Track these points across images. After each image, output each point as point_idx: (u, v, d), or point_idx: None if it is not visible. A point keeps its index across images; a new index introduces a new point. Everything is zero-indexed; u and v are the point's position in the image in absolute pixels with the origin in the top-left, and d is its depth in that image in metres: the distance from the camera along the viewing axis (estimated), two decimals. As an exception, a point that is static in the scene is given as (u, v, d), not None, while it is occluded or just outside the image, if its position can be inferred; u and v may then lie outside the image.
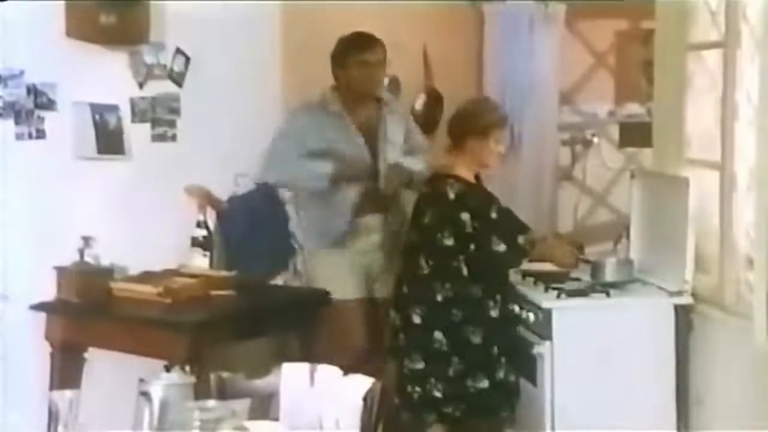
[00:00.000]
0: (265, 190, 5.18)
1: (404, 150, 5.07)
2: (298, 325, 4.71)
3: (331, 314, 4.76)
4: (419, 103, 6.00)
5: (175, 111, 4.90)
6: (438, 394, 4.50)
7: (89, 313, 4.42)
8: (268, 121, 5.23)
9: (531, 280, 4.72)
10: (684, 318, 4.46)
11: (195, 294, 4.47)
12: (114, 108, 4.71)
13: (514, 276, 4.74)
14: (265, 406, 3.08)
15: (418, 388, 4.53)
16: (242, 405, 2.83)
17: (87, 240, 4.46)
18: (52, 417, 2.73)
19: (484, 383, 4.48)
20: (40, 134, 4.52)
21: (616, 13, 6.33)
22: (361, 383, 2.99)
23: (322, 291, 4.84)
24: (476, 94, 6.00)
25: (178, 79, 4.90)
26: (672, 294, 4.46)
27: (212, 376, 3.12)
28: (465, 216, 4.47)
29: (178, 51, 4.88)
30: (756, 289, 3.88)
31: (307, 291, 4.98)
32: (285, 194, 5.25)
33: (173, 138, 4.90)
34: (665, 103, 4.80)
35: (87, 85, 4.61)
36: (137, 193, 4.75)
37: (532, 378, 4.49)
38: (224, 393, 3.06)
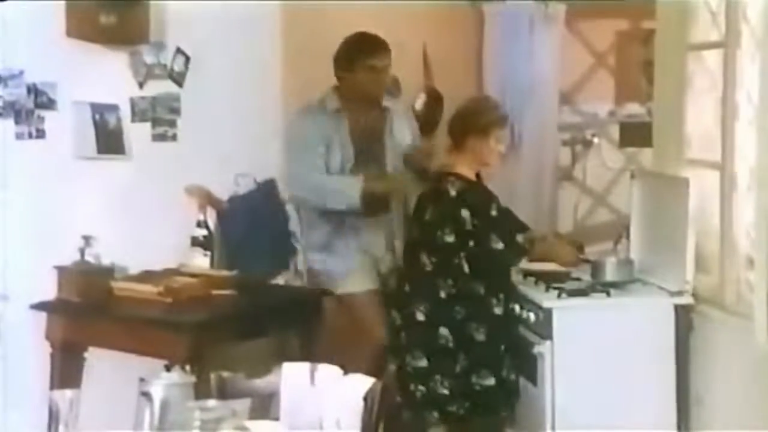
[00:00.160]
0: (265, 190, 5.19)
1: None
2: (298, 324, 4.71)
3: (344, 308, 4.82)
4: (419, 103, 6.01)
5: (176, 111, 4.89)
6: (444, 392, 4.51)
7: (90, 312, 4.42)
8: (268, 121, 5.24)
9: (532, 279, 4.72)
10: (684, 318, 4.46)
11: (195, 293, 4.46)
12: (114, 108, 4.71)
13: (514, 276, 4.74)
14: (265, 406, 3.08)
15: (421, 387, 4.54)
16: (243, 405, 2.83)
17: (87, 239, 4.46)
18: (53, 417, 2.73)
19: (490, 381, 4.50)
20: (40, 134, 4.52)
21: (617, 13, 6.34)
22: (362, 383, 2.99)
23: (323, 290, 4.84)
24: (476, 94, 6.00)
25: (178, 79, 4.90)
26: (672, 294, 4.46)
27: (213, 376, 3.12)
28: (465, 213, 4.50)
29: (179, 51, 4.88)
30: (756, 289, 3.88)
31: (308, 290, 4.97)
32: (286, 194, 5.24)
33: (173, 138, 4.90)
34: (665, 103, 4.80)
35: (87, 84, 4.61)
36: (137, 193, 4.74)
37: (533, 377, 4.49)
38: (225, 393, 3.06)
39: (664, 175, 4.73)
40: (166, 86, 4.87)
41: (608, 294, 4.50)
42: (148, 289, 4.42)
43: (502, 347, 4.55)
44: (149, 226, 4.72)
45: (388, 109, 5.02)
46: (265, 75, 5.24)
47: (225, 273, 4.75)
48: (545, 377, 4.40)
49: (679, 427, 4.45)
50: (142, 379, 2.82)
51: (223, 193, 5.00)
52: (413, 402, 4.55)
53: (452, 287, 4.52)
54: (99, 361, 4.47)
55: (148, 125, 4.83)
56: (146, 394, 2.76)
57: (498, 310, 4.54)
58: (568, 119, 6.50)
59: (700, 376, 4.43)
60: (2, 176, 4.48)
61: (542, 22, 6.22)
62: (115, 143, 4.72)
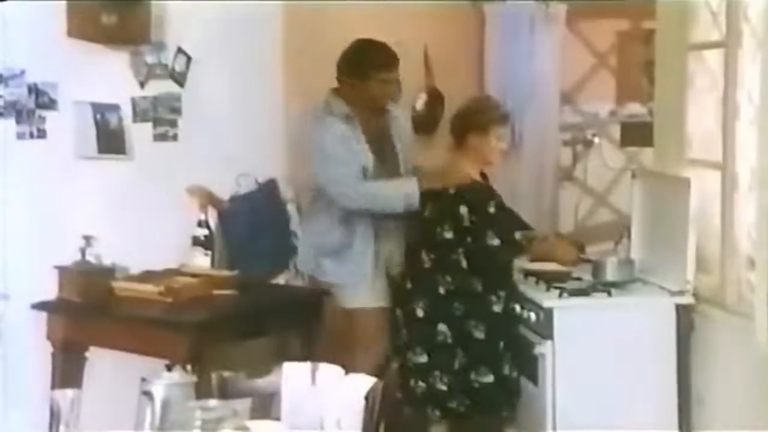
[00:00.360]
0: (266, 190, 5.19)
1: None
2: (299, 324, 4.71)
3: (350, 322, 4.77)
4: (420, 103, 6.01)
5: (177, 111, 4.90)
6: (443, 388, 4.52)
7: (90, 312, 4.42)
8: (269, 121, 5.24)
9: (533, 279, 4.72)
10: (685, 318, 4.46)
11: (196, 293, 4.47)
12: (115, 107, 4.71)
13: (515, 275, 4.74)
14: (266, 406, 3.09)
15: (421, 383, 4.55)
16: (244, 404, 2.84)
17: (88, 239, 4.46)
18: (54, 416, 2.73)
19: (489, 378, 4.51)
20: (42, 134, 4.52)
21: (617, 13, 6.33)
22: (363, 382, 2.99)
23: (323, 290, 4.84)
24: (477, 93, 5.99)
25: (179, 79, 4.90)
26: (673, 294, 4.46)
27: (214, 376, 3.13)
28: (463, 209, 4.54)
29: (180, 51, 4.88)
30: (757, 289, 3.88)
31: (309, 290, 4.97)
32: (287, 194, 5.25)
33: (174, 138, 4.90)
34: (666, 103, 4.80)
35: (88, 84, 4.61)
36: (138, 193, 4.75)
37: (534, 377, 4.49)
38: (226, 392, 3.06)
39: (665, 175, 4.73)
40: (167, 86, 4.87)
41: (609, 294, 4.50)
42: (149, 289, 4.42)
43: (501, 345, 4.55)
44: (150, 226, 4.72)
45: (389, 111, 5.01)
46: (266, 75, 5.24)
47: (226, 273, 4.76)
48: (546, 377, 4.39)
49: (680, 427, 4.45)
50: (143, 379, 2.82)
51: (224, 193, 5.01)
52: (414, 398, 4.57)
53: (451, 284, 4.55)
54: (100, 361, 4.48)
55: (149, 125, 4.83)
56: (147, 394, 2.77)
57: (497, 308, 4.55)
58: (569, 119, 6.50)
59: (701, 376, 4.43)
60: (3, 176, 4.49)
61: (543, 22, 6.21)
62: (116, 143, 4.72)
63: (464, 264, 4.55)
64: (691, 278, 4.42)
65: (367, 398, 2.93)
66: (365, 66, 4.80)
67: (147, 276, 4.60)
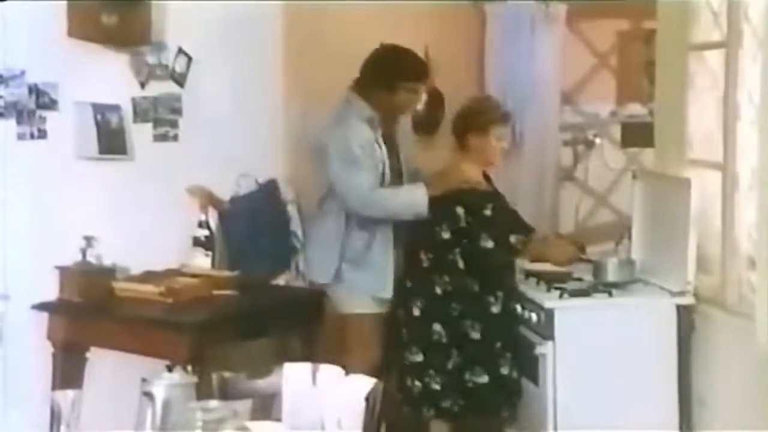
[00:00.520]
0: (266, 190, 5.18)
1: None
2: (300, 325, 4.71)
3: (348, 327, 4.74)
4: (421, 103, 6.00)
5: (177, 111, 4.89)
6: (436, 387, 4.53)
7: (91, 312, 4.42)
8: (270, 122, 5.24)
9: (533, 280, 4.72)
10: (686, 318, 4.46)
11: (197, 294, 4.47)
12: (116, 108, 4.71)
13: (516, 276, 4.75)
14: (267, 407, 3.09)
15: (417, 382, 4.57)
16: (244, 405, 2.84)
17: (89, 240, 4.46)
18: (54, 417, 2.73)
19: (483, 378, 4.52)
20: (42, 134, 4.51)
21: (618, 13, 6.33)
22: (363, 383, 2.99)
23: (324, 290, 4.83)
24: (478, 93, 5.99)
25: (180, 80, 4.90)
26: (674, 294, 4.46)
27: (214, 376, 3.13)
28: (460, 210, 4.56)
29: (180, 51, 4.88)
30: (758, 289, 3.88)
31: (309, 291, 4.97)
32: (287, 194, 5.24)
33: (175, 138, 4.90)
34: (667, 104, 4.80)
35: (89, 84, 4.61)
36: (139, 193, 4.74)
37: (534, 378, 4.49)
38: (226, 393, 3.06)
39: (666, 176, 4.73)
40: (168, 87, 4.87)
41: (610, 294, 4.50)
42: (149, 289, 4.42)
43: (498, 345, 4.55)
44: (151, 227, 4.72)
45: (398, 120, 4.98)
46: (266, 75, 5.24)
47: (226, 273, 4.75)
48: (547, 377, 4.40)
49: (680, 428, 4.45)
50: (143, 380, 2.82)
51: (224, 194, 5.00)
52: (411, 397, 4.58)
53: (448, 284, 4.57)
54: (101, 362, 4.48)
55: (149, 126, 4.83)
56: (148, 395, 2.77)
57: (494, 309, 4.56)
58: (569, 119, 6.50)
59: (701, 377, 4.43)
60: (4, 176, 4.48)
61: (543, 22, 6.22)
62: (116, 143, 4.71)
63: (461, 264, 4.56)
64: (691, 279, 4.43)
65: (367, 399, 2.92)
66: (394, 76, 4.73)
67: (147, 276, 4.60)
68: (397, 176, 4.82)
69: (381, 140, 4.75)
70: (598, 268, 4.66)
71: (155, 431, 2.74)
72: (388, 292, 4.71)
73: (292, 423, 2.99)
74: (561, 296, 4.48)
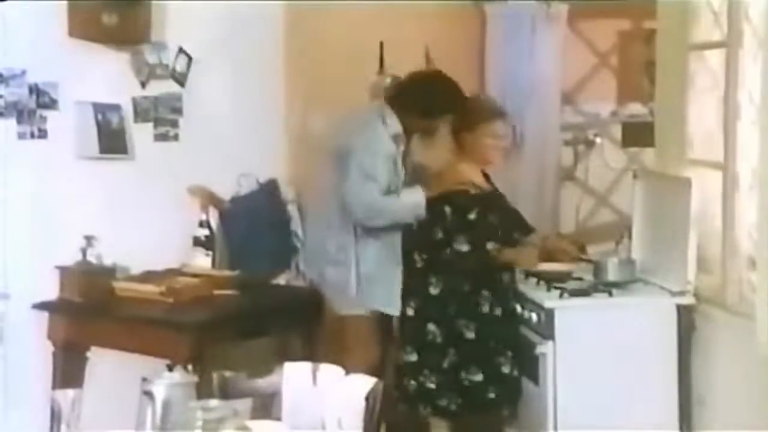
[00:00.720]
0: (267, 190, 5.19)
1: None
2: (300, 324, 4.72)
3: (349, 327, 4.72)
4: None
5: (178, 111, 4.90)
6: (431, 386, 4.53)
7: (91, 312, 4.43)
8: (270, 121, 5.24)
9: (533, 279, 4.72)
10: (686, 318, 4.45)
11: (197, 293, 4.47)
12: (116, 107, 4.71)
13: (517, 276, 4.75)
14: (267, 406, 3.08)
15: (413, 381, 4.57)
16: (244, 404, 2.84)
17: (89, 239, 4.46)
18: (55, 416, 2.73)
19: (479, 377, 4.52)
20: (43, 134, 4.52)
21: (619, 12, 6.32)
22: (364, 383, 2.99)
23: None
24: (478, 93, 5.99)
25: (180, 79, 4.90)
26: (674, 294, 4.46)
27: (215, 376, 3.12)
28: (447, 210, 4.58)
29: (181, 51, 4.88)
30: (758, 289, 3.88)
31: (309, 290, 4.97)
32: (288, 194, 5.24)
33: (175, 138, 4.90)
34: (667, 103, 4.79)
35: (89, 84, 4.62)
36: (139, 193, 4.75)
37: (534, 377, 4.49)
38: (227, 392, 3.06)
39: (667, 175, 4.72)
40: (168, 86, 4.87)
41: (610, 294, 4.50)
42: (149, 289, 4.42)
43: (494, 344, 4.55)
44: (151, 226, 4.72)
45: None
46: (267, 75, 5.24)
47: (227, 273, 4.76)
48: (547, 377, 4.39)
49: (681, 428, 4.45)
50: (144, 379, 2.82)
51: (225, 193, 5.01)
52: (407, 396, 4.59)
53: (441, 284, 4.57)
54: (101, 361, 4.48)
55: (150, 125, 4.83)
56: (148, 394, 2.77)
57: (486, 309, 4.56)
58: (570, 119, 6.49)
59: (702, 377, 4.43)
60: (4, 176, 4.49)
61: (544, 22, 6.21)
62: (117, 143, 4.72)
63: (453, 264, 4.56)
64: (692, 278, 4.42)
65: (367, 398, 2.92)
66: (435, 107, 4.67)
67: (148, 276, 4.60)
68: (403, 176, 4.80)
69: (401, 156, 4.68)
70: (598, 268, 4.66)
71: (155, 430, 2.74)
72: (396, 310, 4.67)
73: (293, 422, 2.99)
74: (561, 296, 4.48)
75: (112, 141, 4.69)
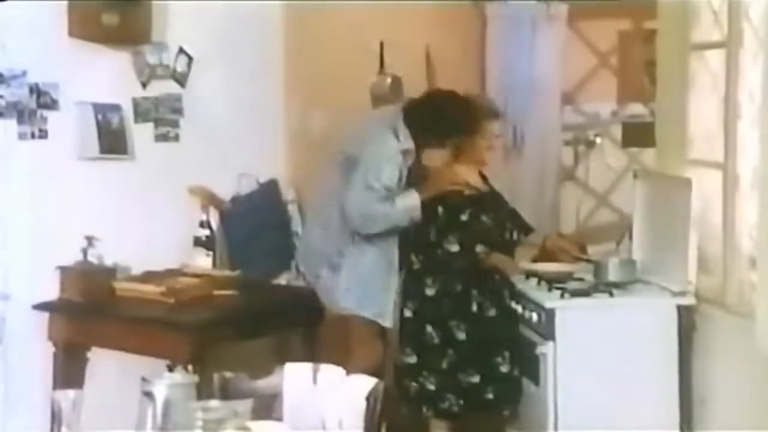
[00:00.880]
0: (267, 190, 5.19)
1: None
2: (300, 324, 4.71)
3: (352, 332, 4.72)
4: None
5: (178, 111, 4.90)
6: (431, 387, 4.53)
7: (92, 312, 4.43)
8: (271, 122, 5.24)
9: (534, 280, 4.72)
10: (687, 318, 4.45)
11: (198, 294, 4.47)
12: (117, 108, 4.71)
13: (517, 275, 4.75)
14: (268, 406, 3.08)
15: (414, 383, 4.57)
16: (245, 405, 2.83)
17: (90, 239, 4.46)
18: (55, 417, 2.73)
19: (475, 378, 4.52)
20: (43, 134, 4.52)
21: (619, 13, 6.33)
22: (364, 383, 2.99)
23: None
24: (479, 94, 5.99)
25: (180, 79, 4.90)
26: (675, 294, 4.46)
27: (215, 376, 3.12)
28: (440, 210, 4.59)
29: (181, 51, 4.88)
30: (759, 289, 3.88)
31: (310, 290, 4.97)
32: (288, 194, 5.24)
33: (176, 138, 4.90)
34: (668, 103, 4.79)
35: (90, 84, 4.62)
36: (140, 193, 4.75)
37: (535, 378, 4.49)
38: (227, 393, 3.05)
39: (667, 176, 4.72)
40: (169, 86, 4.88)
41: (611, 294, 4.50)
42: (150, 289, 4.42)
43: (487, 345, 4.55)
44: (152, 227, 4.72)
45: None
46: (267, 75, 5.24)
47: (227, 273, 4.76)
48: (548, 377, 4.39)
49: (681, 428, 4.45)
50: (144, 379, 2.82)
51: (225, 193, 5.01)
52: (408, 398, 4.59)
53: (437, 284, 4.57)
54: (101, 361, 4.48)
55: (150, 125, 4.83)
56: (149, 394, 2.76)
57: (475, 309, 4.56)
58: (570, 119, 6.50)
59: (702, 377, 4.42)
60: (5, 175, 4.49)
61: (544, 22, 6.22)
62: (117, 143, 4.72)
63: (445, 264, 4.56)
64: (692, 279, 4.42)
65: (368, 399, 2.92)
66: (450, 133, 4.67)
67: (148, 276, 4.60)
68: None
69: (407, 169, 4.66)
70: (598, 268, 4.66)
71: (156, 431, 2.74)
72: (388, 321, 4.68)
73: (293, 423, 2.99)
74: (562, 296, 4.47)
75: (112, 141, 4.69)
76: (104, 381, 4.36)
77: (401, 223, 4.60)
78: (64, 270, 4.47)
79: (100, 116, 4.64)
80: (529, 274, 4.76)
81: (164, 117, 4.86)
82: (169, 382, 2.82)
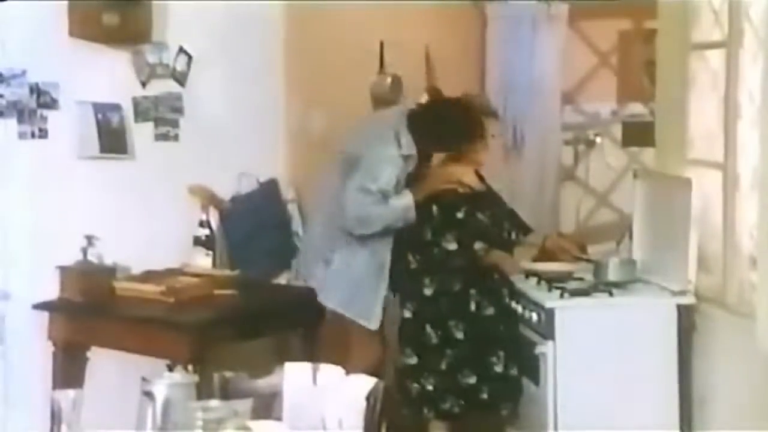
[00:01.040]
0: (267, 190, 5.19)
1: None
2: (300, 324, 4.71)
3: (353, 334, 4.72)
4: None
5: (178, 110, 4.90)
6: (432, 388, 4.53)
7: (92, 312, 4.43)
8: (271, 121, 5.24)
9: (534, 279, 4.72)
10: (687, 318, 4.45)
11: (198, 293, 4.47)
12: (117, 107, 4.71)
13: (517, 275, 4.75)
14: (267, 406, 3.08)
15: (415, 384, 4.57)
16: (245, 405, 2.83)
17: (90, 239, 4.46)
18: (55, 416, 2.73)
19: (472, 378, 4.52)
20: (43, 133, 4.52)
21: (619, 12, 6.33)
22: (364, 383, 2.99)
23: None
24: (479, 93, 5.99)
25: (180, 79, 4.90)
26: (675, 294, 4.46)
27: (215, 376, 3.12)
28: (435, 209, 4.59)
29: (181, 50, 4.88)
30: (759, 289, 3.88)
31: (310, 290, 4.96)
32: (288, 194, 5.24)
33: (176, 137, 4.90)
34: (668, 103, 4.79)
35: (90, 84, 4.62)
36: (140, 193, 4.75)
37: (535, 377, 4.49)
38: (227, 393, 3.05)
39: (667, 175, 4.72)
40: (169, 86, 4.88)
41: (611, 294, 4.50)
42: (150, 288, 4.42)
43: (483, 344, 4.55)
44: (152, 226, 4.72)
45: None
46: (267, 75, 5.24)
47: (227, 273, 4.76)
48: (547, 377, 4.39)
49: (681, 428, 4.45)
50: (144, 379, 2.82)
51: (225, 193, 5.01)
52: (409, 399, 4.58)
53: (434, 284, 4.57)
54: (101, 361, 4.48)
55: (150, 125, 4.83)
56: (148, 394, 2.76)
57: (473, 308, 4.56)
58: (570, 119, 6.50)
59: (702, 376, 4.42)
60: (5, 175, 4.49)
61: (545, 21, 6.22)
62: (117, 143, 4.72)
63: (442, 263, 4.56)
64: (692, 278, 4.42)
65: (368, 398, 2.92)
66: (453, 142, 4.68)
67: (148, 276, 4.60)
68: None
69: (405, 173, 4.66)
70: (598, 268, 4.66)
71: (156, 431, 2.74)
72: (374, 324, 4.69)
73: (293, 422, 2.99)
74: (562, 296, 4.47)
75: (112, 141, 4.69)
76: (104, 381, 4.36)
77: (396, 224, 4.61)
78: (64, 270, 4.47)
79: (100, 116, 4.64)
80: (529, 274, 4.76)
81: (164, 116, 4.86)
82: (169, 382, 2.82)
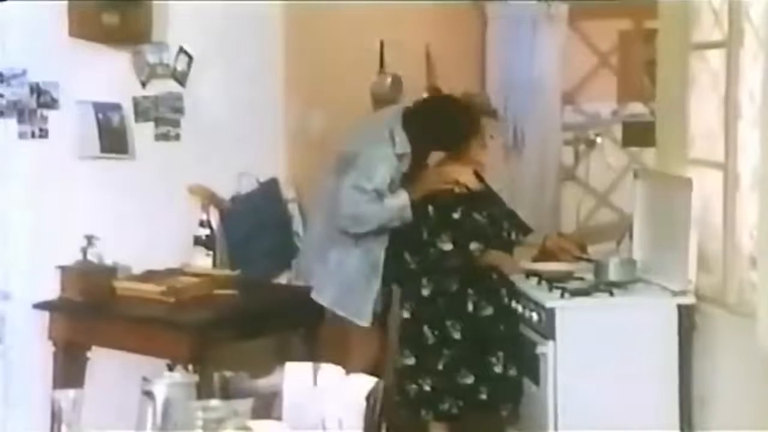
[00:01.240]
0: (267, 189, 5.19)
1: None
2: (301, 324, 4.71)
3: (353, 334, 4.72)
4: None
5: (179, 110, 4.90)
6: (429, 389, 4.53)
7: (92, 312, 4.43)
8: (271, 121, 5.24)
9: (535, 279, 4.72)
10: (687, 318, 4.45)
11: (198, 293, 4.47)
12: (117, 107, 4.71)
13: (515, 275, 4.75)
14: (268, 406, 3.08)
15: (413, 385, 4.57)
16: (245, 404, 2.83)
17: (90, 239, 4.46)
18: (55, 416, 2.73)
19: (469, 378, 4.52)
20: (43, 133, 4.52)
21: (619, 12, 6.34)
22: (364, 383, 2.99)
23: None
24: (475, 93, 5.99)
25: (181, 79, 4.90)
26: (675, 294, 4.46)
27: (215, 376, 3.12)
28: (431, 209, 4.58)
29: (181, 50, 4.88)
30: (759, 288, 3.88)
31: (310, 290, 4.97)
32: (288, 193, 5.24)
33: (176, 137, 4.90)
34: (668, 103, 4.79)
35: (90, 84, 4.61)
36: (140, 193, 4.75)
37: (535, 378, 4.49)
38: (227, 392, 3.05)
39: (667, 175, 4.72)
40: (169, 86, 4.88)
41: (611, 294, 4.50)
42: (150, 288, 4.42)
43: (481, 344, 4.55)
44: (152, 226, 4.72)
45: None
46: (267, 74, 5.24)
47: (227, 272, 4.76)
48: (548, 377, 4.39)
49: (681, 428, 4.45)
50: (144, 379, 2.82)
51: (225, 193, 5.01)
52: (408, 400, 4.58)
53: (432, 284, 4.57)
54: (102, 361, 4.48)
55: (151, 125, 4.83)
56: (149, 394, 2.76)
57: (470, 308, 4.56)
58: (570, 119, 6.50)
59: (702, 376, 4.42)
60: (5, 175, 4.49)
61: (545, 21, 6.22)
62: (117, 143, 4.72)
63: (439, 264, 4.57)
64: (692, 278, 4.42)
65: (368, 398, 2.92)
66: (447, 141, 4.68)
67: (149, 276, 4.60)
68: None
69: (400, 173, 4.66)
70: (599, 268, 4.65)
71: (156, 430, 2.74)
72: (366, 321, 4.69)
73: (293, 422, 2.99)
74: (562, 296, 4.47)
75: (112, 141, 4.69)
76: (104, 381, 4.36)
77: (391, 223, 4.61)
78: (64, 269, 4.47)
79: (100, 115, 4.64)
80: (529, 274, 4.76)
81: (164, 116, 4.86)
82: (169, 382, 2.82)
